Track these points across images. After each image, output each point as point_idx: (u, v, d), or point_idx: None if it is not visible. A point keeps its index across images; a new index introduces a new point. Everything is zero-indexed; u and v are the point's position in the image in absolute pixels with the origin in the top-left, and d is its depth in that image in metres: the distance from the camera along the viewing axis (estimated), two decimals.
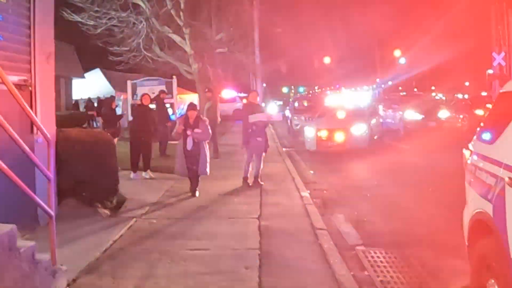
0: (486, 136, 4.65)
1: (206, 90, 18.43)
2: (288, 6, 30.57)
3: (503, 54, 22.24)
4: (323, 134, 17.34)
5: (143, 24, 23.26)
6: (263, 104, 25.83)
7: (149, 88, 21.32)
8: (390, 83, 52.16)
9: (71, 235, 6.97)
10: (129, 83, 23.77)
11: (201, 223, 8.09)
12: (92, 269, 5.84)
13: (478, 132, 5.00)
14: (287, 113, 30.93)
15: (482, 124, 5.08)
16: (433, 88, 60.43)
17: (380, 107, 28.05)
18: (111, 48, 23.75)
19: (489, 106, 18.27)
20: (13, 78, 6.39)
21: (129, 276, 5.66)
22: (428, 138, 18.18)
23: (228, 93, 38.72)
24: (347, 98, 24.73)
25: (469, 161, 4.99)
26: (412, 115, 24.81)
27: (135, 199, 9.63)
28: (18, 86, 6.29)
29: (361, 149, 16.61)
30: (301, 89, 73.72)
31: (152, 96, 15.35)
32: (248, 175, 11.28)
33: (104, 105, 16.07)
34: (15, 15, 7.14)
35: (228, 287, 5.39)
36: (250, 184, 11.14)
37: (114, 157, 9.15)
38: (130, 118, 16.35)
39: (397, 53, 46.66)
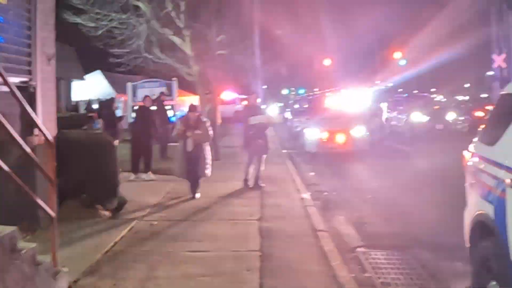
0: (487, 138, 4.66)
1: (207, 92, 18.44)
2: (288, 8, 30.59)
3: (503, 56, 22.26)
4: (324, 136, 17.34)
5: (144, 26, 23.28)
6: (263, 106, 25.85)
7: (149, 90, 21.34)
8: (390, 85, 52.11)
9: (72, 236, 7.00)
10: (129, 85, 23.79)
11: (201, 225, 8.08)
12: (93, 271, 5.84)
13: (478, 134, 5.01)
14: (288, 115, 30.92)
15: (482, 126, 5.08)
16: (433, 90, 60.40)
17: (385, 109, 27.72)
18: (111, 50, 23.76)
19: (489, 108, 18.30)
20: (15, 80, 6.40)
21: (130, 277, 5.66)
22: (431, 140, 18.15)
23: (228, 95, 38.73)
24: (348, 100, 24.68)
25: (469, 163, 4.99)
26: (418, 117, 24.35)
27: (136, 200, 9.63)
28: (20, 87, 6.28)
29: (362, 151, 16.62)
30: (301, 91, 73.67)
31: (153, 98, 15.36)
32: (249, 177, 11.28)
33: (105, 107, 16.06)
34: (16, 16, 7.15)
35: None
36: (250, 186, 11.15)
37: (114, 159, 9.15)
38: (131, 120, 16.35)
39: (397, 55, 46.67)
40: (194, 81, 25.73)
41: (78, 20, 21.83)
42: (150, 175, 12.27)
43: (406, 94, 30.25)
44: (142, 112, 12.89)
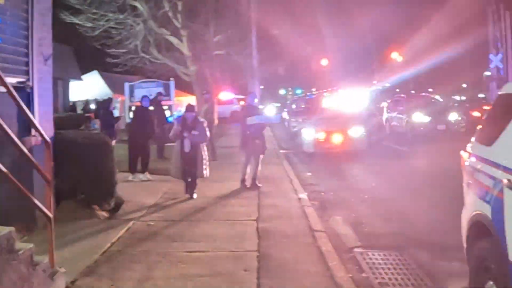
0: (484, 138, 4.66)
1: (204, 92, 18.44)
2: (285, 8, 30.59)
3: (500, 56, 22.28)
4: (321, 136, 17.33)
5: (141, 26, 23.29)
6: (261, 106, 25.82)
7: (146, 90, 21.32)
8: (388, 85, 52.16)
9: (69, 237, 6.98)
10: (126, 85, 23.76)
11: (199, 225, 8.08)
12: (90, 271, 5.83)
13: (476, 134, 5.01)
14: (285, 115, 30.92)
15: (480, 126, 5.09)
16: (430, 90, 60.50)
17: (385, 110, 27.46)
18: (108, 50, 23.77)
19: (487, 108, 18.34)
20: (12, 80, 6.39)
21: (127, 278, 5.65)
22: (431, 141, 18.09)
23: (225, 95, 38.71)
24: (345, 100, 24.65)
25: (467, 163, 5.00)
26: (419, 117, 23.79)
27: (133, 201, 9.62)
28: (17, 88, 6.28)
29: (359, 151, 16.64)
30: (298, 91, 73.69)
31: (150, 98, 15.34)
32: (246, 177, 11.28)
33: (102, 107, 16.07)
34: (13, 17, 7.14)
35: None
36: (248, 186, 11.14)
37: (111, 159, 9.14)
38: (128, 120, 16.33)
39: (394, 55, 46.70)
40: (191, 81, 25.74)
41: (75, 20, 21.85)
42: (147, 175, 12.26)
43: (403, 95, 30.08)
44: (140, 112, 12.88)
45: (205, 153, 10.27)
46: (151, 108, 14.00)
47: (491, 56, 22.46)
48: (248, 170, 11.30)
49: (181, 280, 5.59)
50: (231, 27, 26.02)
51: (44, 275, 4.70)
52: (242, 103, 30.12)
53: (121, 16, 22.65)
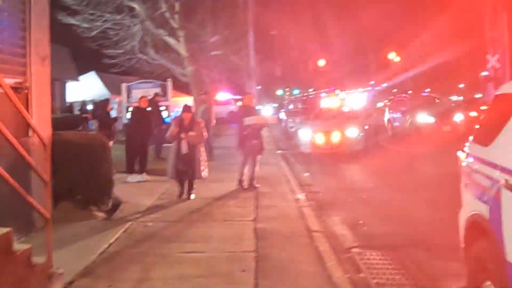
0: (482, 138, 4.67)
1: (201, 92, 18.43)
2: (283, 9, 30.64)
3: (497, 56, 22.26)
4: (318, 136, 17.34)
5: (138, 27, 23.27)
6: (259, 107, 25.85)
7: (143, 90, 21.25)
8: (385, 85, 52.20)
9: (67, 238, 6.98)
10: (123, 85, 23.71)
11: (196, 226, 8.08)
12: (88, 272, 5.83)
13: (473, 134, 5.02)
14: (282, 115, 30.93)
15: (477, 126, 5.10)
16: (427, 90, 60.58)
17: (386, 110, 26.93)
18: (106, 51, 23.73)
19: (484, 108, 18.34)
20: (9, 81, 6.37)
21: (125, 279, 5.65)
22: (433, 142, 18.01)
23: (222, 95, 38.70)
24: (342, 101, 24.64)
25: (464, 164, 5.00)
26: (424, 118, 22.87)
27: (131, 202, 9.62)
28: (14, 88, 6.27)
29: (356, 152, 16.65)
30: (295, 91, 73.64)
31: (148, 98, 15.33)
32: (243, 178, 11.27)
33: (99, 108, 16.03)
34: (10, 17, 7.13)
35: None
36: (245, 187, 11.14)
37: (109, 160, 9.13)
38: (125, 120, 16.31)
39: (391, 55, 46.74)
40: (188, 82, 25.72)
41: (72, 21, 21.79)
42: (145, 176, 12.25)
43: (405, 95, 29.80)
44: (137, 113, 12.87)
45: (203, 154, 10.27)
46: (149, 108, 14.00)
47: (488, 56, 22.41)
48: (246, 170, 11.30)
49: (179, 281, 5.59)
50: (228, 28, 26.02)
51: (41, 276, 4.70)
52: (239, 103, 30.17)
53: (118, 17, 22.61)
